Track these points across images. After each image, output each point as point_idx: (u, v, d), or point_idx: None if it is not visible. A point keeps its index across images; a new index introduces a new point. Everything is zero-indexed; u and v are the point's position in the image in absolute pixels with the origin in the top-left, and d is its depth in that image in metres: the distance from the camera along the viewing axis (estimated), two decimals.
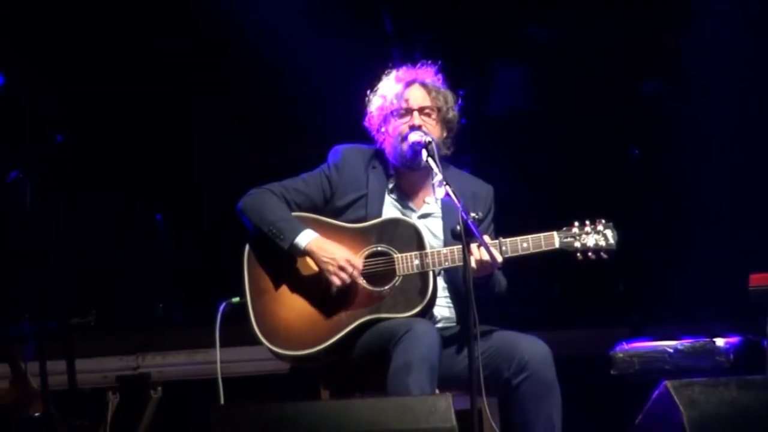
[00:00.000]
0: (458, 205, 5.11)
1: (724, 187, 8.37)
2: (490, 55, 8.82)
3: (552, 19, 8.76)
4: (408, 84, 5.66)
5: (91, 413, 7.42)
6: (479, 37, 8.63)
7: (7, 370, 6.47)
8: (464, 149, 5.84)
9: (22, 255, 6.17)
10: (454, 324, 5.59)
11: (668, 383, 4.97)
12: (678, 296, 8.31)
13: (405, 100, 5.63)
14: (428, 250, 5.46)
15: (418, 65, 5.75)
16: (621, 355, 6.40)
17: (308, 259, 5.51)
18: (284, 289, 5.52)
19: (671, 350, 6.36)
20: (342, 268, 5.44)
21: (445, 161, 5.57)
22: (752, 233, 7.93)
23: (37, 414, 6.29)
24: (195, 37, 8.50)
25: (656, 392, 5.05)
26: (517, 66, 8.98)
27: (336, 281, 5.44)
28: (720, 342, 6.37)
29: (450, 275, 5.57)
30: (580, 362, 7.06)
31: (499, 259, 5.31)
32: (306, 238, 5.48)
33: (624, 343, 6.50)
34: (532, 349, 5.38)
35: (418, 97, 5.64)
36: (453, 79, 5.80)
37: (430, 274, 5.44)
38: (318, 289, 5.48)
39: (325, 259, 5.46)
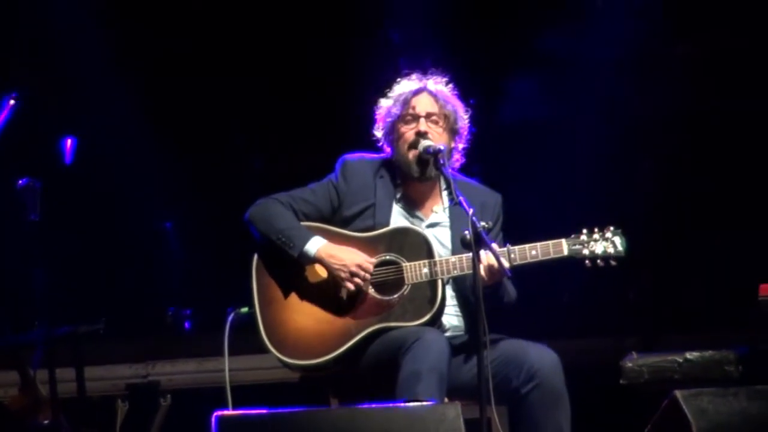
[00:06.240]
0: (469, 212, 5.10)
1: (735, 196, 8.39)
2: (502, 64, 8.83)
3: (564, 28, 8.76)
4: (416, 91, 5.66)
5: (101, 421, 7.44)
6: (491, 46, 8.64)
7: (17, 378, 6.48)
8: (474, 158, 5.83)
9: (32, 262, 6.19)
10: (463, 333, 5.58)
11: (678, 393, 4.97)
12: (688, 306, 8.31)
13: (412, 107, 5.62)
14: (437, 259, 5.46)
15: (428, 74, 5.75)
16: (630, 364, 6.38)
17: (317, 268, 5.51)
18: (293, 298, 5.52)
19: (681, 360, 6.34)
20: (354, 274, 5.44)
21: (453, 170, 5.56)
22: (763, 243, 7.93)
23: (46, 422, 6.30)
24: (204, 43, 8.54)
25: (665, 402, 5.05)
26: (528, 75, 8.98)
27: (350, 287, 5.44)
28: (729, 352, 6.36)
29: (458, 284, 5.57)
30: (589, 371, 7.06)
31: (508, 266, 5.30)
32: (315, 245, 5.48)
33: (633, 352, 6.48)
34: (541, 357, 5.36)
35: (425, 103, 5.63)
36: (464, 88, 5.79)
37: (439, 282, 5.44)
38: (327, 298, 5.48)
39: (337, 266, 5.46)
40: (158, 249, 8.57)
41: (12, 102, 6.10)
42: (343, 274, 5.45)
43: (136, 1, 8.47)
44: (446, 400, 5.22)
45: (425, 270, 5.45)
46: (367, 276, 5.45)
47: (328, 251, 5.48)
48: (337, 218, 5.64)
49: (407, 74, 5.75)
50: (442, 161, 5.42)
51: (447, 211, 5.67)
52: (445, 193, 5.69)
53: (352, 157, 5.72)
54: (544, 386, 5.30)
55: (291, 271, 5.52)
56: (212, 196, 8.50)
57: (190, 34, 8.55)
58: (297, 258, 5.48)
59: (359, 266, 5.45)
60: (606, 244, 5.47)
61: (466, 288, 5.51)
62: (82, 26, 8.25)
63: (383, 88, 5.77)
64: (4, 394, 6.91)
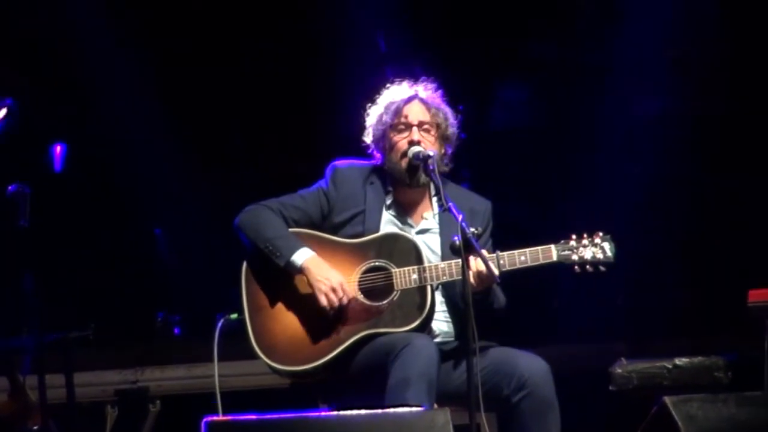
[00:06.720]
0: (458, 218, 5.10)
1: (725, 202, 8.40)
2: (491, 70, 8.84)
3: (551, 35, 8.77)
4: (407, 100, 5.65)
5: (90, 427, 7.43)
6: (479, 53, 8.65)
7: (6, 384, 6.47)
8: (464, 163, 5.84)
9: (22, 268, 6.18)
10: (452, 339, 5.58)
11: (667, 399, 4.97)
12: (677, 312, 8.32)
13: (404, 116, 5.62)
14: (426, 265, 5.45)
15: (418, 81, 5.75)
16: (620, 371, 6.39)
17: (305, 276, 5.51)
18: (282, 304, 5.51)
19: (670, 366, 6.35)
20: (333, 290, 5.41)
21: (443, 176, 5.56)
22: (752, 249, 7.95)
23: (35, 427, 6.29)
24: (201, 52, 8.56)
25: (655, 408, 5.05)
26: (517, 82, 8.99)
27: (324, 302, 5.42)
28: (719, 358, 6.37)
29: (447, 290, 5.56)
30: (578, 377, 7.06)
31: (497, 272, 5.30)
32: (302, 257, 5.47)
33: (623, 358, 6.49)
34: (531, 366, 5.36)
35: (417, 112, 5.63)
36: (452, 94, 5.79)
37: (428, 288, 5.43)
38: (316, 305, 5.46)
39: (319, 279, 5.43)
40: (148, 255, 8.57)
41: (6, 110, 6.06)
42: (323, 287, 5.42)
43: (132, 2, 8.47)
44: (436, 406, 5.22)
45: (414, 276, 5.44)
46: (345, 299, 5.44)
47: (315, 263, 5.47)
48: (327, 225, 5.63)
49: (397, 81, 5.76)
50: (431, 166, 5.42)
51: (437, 217, 5.67)
52: (435, 200, 5.69)
53: (341, 163, 5.72)
54: (535, 395, 5.30)
55: (280, 277, 5.51)
56: (202, 202, 8.49)
57: (185, 35, 8.55)
58: (284, 267, 5.48)
59: (342, 285, 5.44)
60: (595, 249, 5.47)
61: (455, 294, 5.50)
62: (70, 31, 8.26)
63: (373, 93, 5.77)
64: None
